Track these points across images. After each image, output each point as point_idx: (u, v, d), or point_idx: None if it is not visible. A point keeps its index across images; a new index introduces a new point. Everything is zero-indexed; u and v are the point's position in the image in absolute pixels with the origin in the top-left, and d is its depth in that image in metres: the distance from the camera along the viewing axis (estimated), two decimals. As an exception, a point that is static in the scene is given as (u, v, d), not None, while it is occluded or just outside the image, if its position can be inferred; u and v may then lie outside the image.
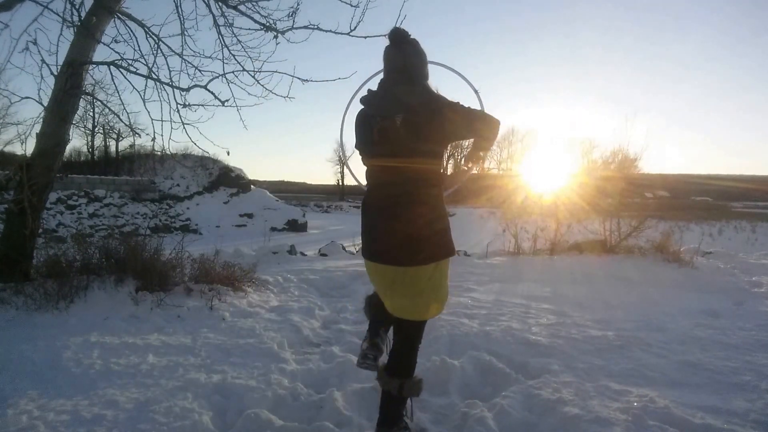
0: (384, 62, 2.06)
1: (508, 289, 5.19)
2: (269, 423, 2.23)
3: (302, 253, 8.00)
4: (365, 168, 2.07)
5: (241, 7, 4.41)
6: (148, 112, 4.39)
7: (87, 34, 4.04)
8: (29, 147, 4.14)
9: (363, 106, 2.06)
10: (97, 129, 30.87)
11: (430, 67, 2.12)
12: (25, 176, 3.84)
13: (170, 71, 4.46)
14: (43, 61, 3.90)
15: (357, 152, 2.09)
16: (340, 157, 59.00)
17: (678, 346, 3.29)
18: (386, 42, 2.05)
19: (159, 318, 3.58)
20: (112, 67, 4.22)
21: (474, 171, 2.27)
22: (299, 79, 4.37)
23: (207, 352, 3.07)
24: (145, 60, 4.29)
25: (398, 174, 1.93)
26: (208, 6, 4.43)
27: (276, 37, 4.44)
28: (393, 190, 1.95)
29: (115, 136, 31.17)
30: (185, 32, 4.47)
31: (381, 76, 2.10)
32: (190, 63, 4.50)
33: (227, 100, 4.44)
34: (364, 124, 2.02)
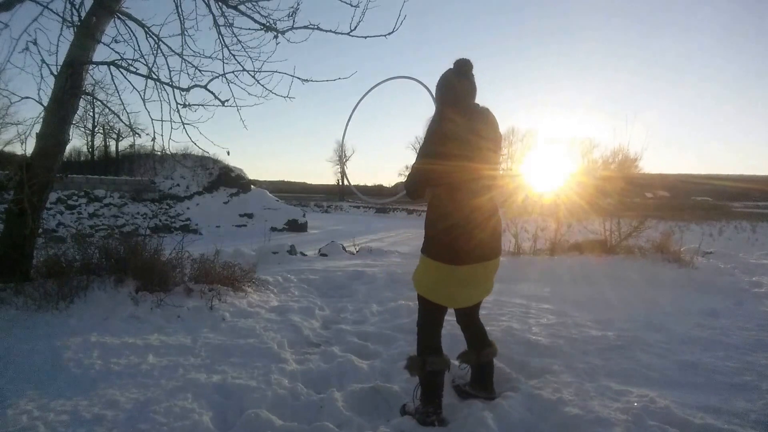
0: (456, 89, 2.27)
1: (508, 289, 5.19)
2: (269, 423, 2.23)
3: (302, 253, 8.00)
4: (460, 177, 2.21)
5: (241, 7, 4.40)
6: (148, 112, 4.38)
7: (87, 34, 4.03)
8: (29, 147, 4.14)
9: (463, 122, 2.21)
10: (97, 129, 30.95)
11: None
12: (25, 176, 3.83)
13: (170, 71, 4.46)
14: (43, 61, 3.90)
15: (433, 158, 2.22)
16: (340, 156, 59.14)
17: (678, 346, 3.29)
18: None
19: (159, 318, 3.58)
20: (112, 67, 4.21)
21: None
22: (299, 79, 4.37)
23: (207, 352, 3.06)
24: (145, 60, 4.29)
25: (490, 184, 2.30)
26: (208, 6, 4.43)
27: (276, 37, 4.43)
28: (490, 196, 2.29)
29: (115, 136, 31.26)
30: (185, 32, 4.47)
31: (384, 86, 2.50)
32: (190, 63, 4.50)
33: (227, 100, 4.44)
34: (479, 137, 2.23)
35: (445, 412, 2.42)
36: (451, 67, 2.32)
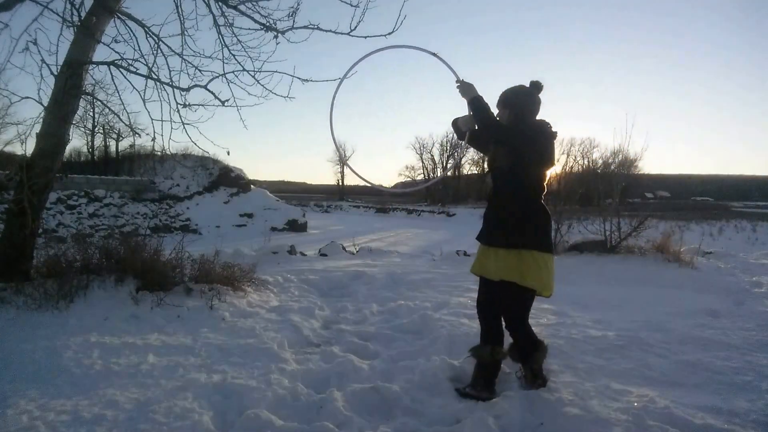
0: (536, 104, 2.61)
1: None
2: (269, 423, 2.23)
3: (302, 253, 8.00)
4: (540, 178, 2.54)
5: (241, 7, 4.40)
6: (148, 112, 4.37)
7: (87, 34, 4.03)
8: (29, 147, 4.13)
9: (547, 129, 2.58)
10: (97, 129, 30.88)
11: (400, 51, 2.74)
12: (25, 176, 3.83)
13: (170, 71, 4.45)
14: (43, 61, 3.89)
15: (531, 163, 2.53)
16: (341, 155, 59.27)
17: (678, 346, 3.29)
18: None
19: (159, 318, 3.58)
20: (112, 67, 4.21)
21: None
22: (299, 79, 4.35)
23: (207, 352, 3.06)
24: (145, 60, 4.28)
25: None
26: (208, 6, 4.42)
27: (276, 37, 4.43)
28: None
29: (115, 136, 31.17)
30: (185, 32, 4.46)
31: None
32: (190, 63, 4.49)
33: (227, 100, 4.43)
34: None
35: (445, 411, 2.42)
36: (525, 84, 2.64)
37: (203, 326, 3.51)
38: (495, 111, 2.63)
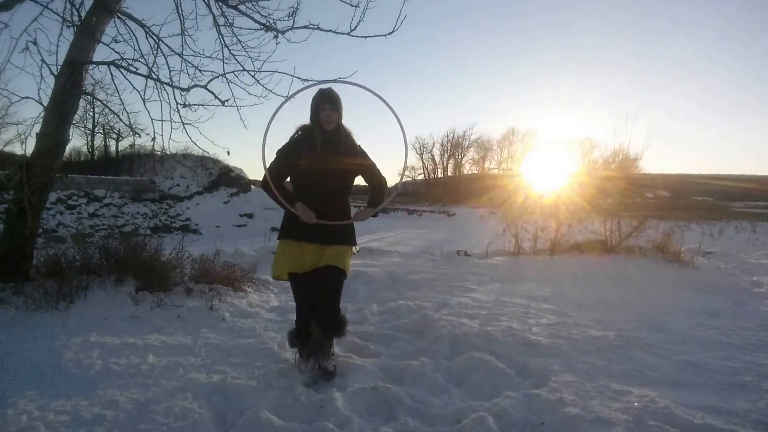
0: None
1: (508, 289, 5.19)
2: (269, 423, 2.22)
3: (302, 253, 7.98)
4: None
5: (241, 7, 4.40)
6: (148, 112, 4.38)
7: (87, 34, 4.03)
8: (29, 147, 4.14)
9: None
10: (97, 129, 30.97)
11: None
12: (25, 176, 3.83)
13: (170, 71, 4.46)
14: (43, 61, 3.90)
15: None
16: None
17: (679, 346, 3.29)
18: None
19: (159, 318, 3.57)
20: (112, 67, 4.22)
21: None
22: (299, 79, 4.35)
23: (207, 352, 3.06)
24: (145, 60, 4.29)
25: None
26: (208, 6, 4.42)
27: (276, 37, 4.43)
28: None
29: (115, 136, 31.26)
30: (185, 32, 4.47)
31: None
32: (190, 63, 4.50)
33: (227, 100, 4.44)
34: None
35: (445, 411, 2.42)
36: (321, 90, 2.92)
37: (203, 326, 3.51)
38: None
